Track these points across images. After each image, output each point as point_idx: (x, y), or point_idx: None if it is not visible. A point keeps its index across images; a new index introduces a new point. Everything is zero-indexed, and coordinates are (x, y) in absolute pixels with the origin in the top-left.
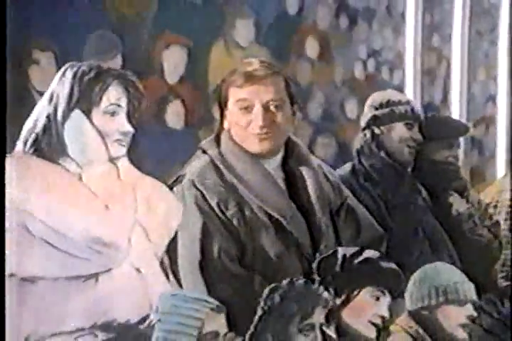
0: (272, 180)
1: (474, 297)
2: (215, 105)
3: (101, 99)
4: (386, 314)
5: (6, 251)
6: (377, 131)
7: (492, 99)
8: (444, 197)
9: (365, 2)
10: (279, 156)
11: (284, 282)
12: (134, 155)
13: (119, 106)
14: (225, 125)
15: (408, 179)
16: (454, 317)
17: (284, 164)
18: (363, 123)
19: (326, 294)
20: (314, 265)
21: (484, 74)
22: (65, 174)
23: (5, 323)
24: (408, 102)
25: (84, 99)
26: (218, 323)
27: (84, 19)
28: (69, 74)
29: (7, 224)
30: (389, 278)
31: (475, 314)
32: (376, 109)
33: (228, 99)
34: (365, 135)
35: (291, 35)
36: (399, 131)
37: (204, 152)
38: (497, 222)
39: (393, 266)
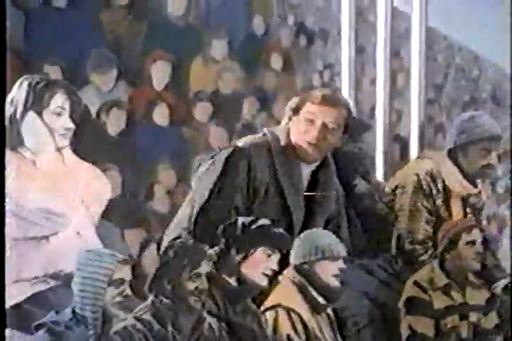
0: (299, 180)
1: (345, 254)
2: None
3: (49, 102)
4: (276, 267)
5: None
6: None
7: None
8: (350, 180)
9: (321, 24)
10: (315, 165)
11: (178, 241)
12: (127, 146)
13: (63, 108)
14: (288, 124)
15: None
16: (329, 270)
17: (316, 171)
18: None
19: (210, 251)
20: (219, 231)
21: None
22: (23, 160)
23: None
24: None
25: (36, 102)
26: (124, 272)
27: (86, 40)
28: (25, 83)
29: None
30: (278, 240)
31: (345, 267)
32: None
33: (301, 108)
34: None
35: (259, 52)
36: None
37: (264, 134)
38: (393, 200)
39: (281, 230)
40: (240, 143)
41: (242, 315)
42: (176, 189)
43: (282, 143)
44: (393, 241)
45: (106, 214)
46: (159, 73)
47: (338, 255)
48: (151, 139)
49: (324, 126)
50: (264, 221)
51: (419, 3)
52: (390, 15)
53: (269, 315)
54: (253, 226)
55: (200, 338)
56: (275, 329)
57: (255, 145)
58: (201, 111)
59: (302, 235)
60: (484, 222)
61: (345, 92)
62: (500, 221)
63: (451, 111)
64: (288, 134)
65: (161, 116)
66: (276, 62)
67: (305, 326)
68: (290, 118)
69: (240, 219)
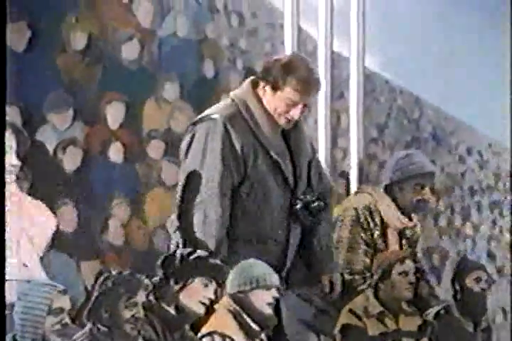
0: (279, 138)
1: (278, 284)
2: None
3: None
4: (212, 296)
5: None
6: None
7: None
8: None
9: None
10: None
11: (114, 272)
12: (83, 182)
13: (9, 146)
14: (258, 92)
15: None
16: (263, 298)
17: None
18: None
19: (146, 281)
20: (159, 262)
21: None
22: None
23: None
24: None
25: None
26: (63, 301)
27: (44, 82)
28: None
29: None
30: (215, 270)
31: (278, 295)
32: None
33: (279, 89)
34: None
35: (209, 94)
36: None
37: (233, 101)
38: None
39: (218, 261)
40: (214, 114)
41: None
42: (130, 222)
43: (255, 109)
44: None
45: (62, 247)
46: (114, 113)
47: (271, 284)
48: (106, 175)
49: (305, 105)
50: (201, 252)
51: (356, 47)
52: (330, 60)
53: None
54: (191, 258)
55: None
56: None
57: (230, 116)
58: (154, 149)
59: (238, 265)
60: (420, 254)
61: None
62: (443, 253)
63: (394, 149)
64: (260, 101)
65: (115, 153)
66: None
67: None
68: (258, 84)
69: (179, 251)
